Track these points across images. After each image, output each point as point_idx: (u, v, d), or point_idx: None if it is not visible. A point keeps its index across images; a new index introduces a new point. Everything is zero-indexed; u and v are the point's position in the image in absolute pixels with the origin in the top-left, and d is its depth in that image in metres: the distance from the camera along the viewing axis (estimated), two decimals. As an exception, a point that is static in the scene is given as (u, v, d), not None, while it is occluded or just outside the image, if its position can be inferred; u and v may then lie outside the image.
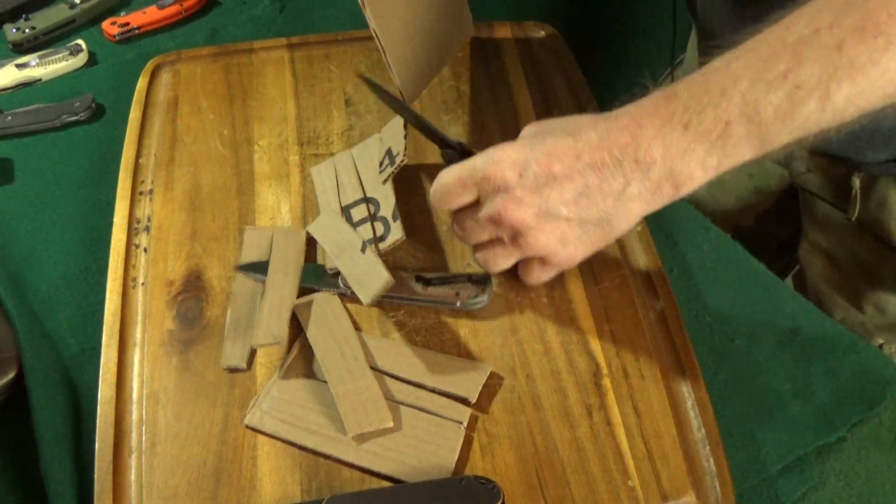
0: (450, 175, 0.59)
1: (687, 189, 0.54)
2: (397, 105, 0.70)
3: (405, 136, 0.70)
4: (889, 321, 0.83)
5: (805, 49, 0.49)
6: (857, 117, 0.51)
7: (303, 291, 0.68)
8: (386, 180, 0.70)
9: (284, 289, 0.67)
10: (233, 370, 0.64)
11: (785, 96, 0.50)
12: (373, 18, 0.67)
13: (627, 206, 0.55)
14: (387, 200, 0.69)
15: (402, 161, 0.68)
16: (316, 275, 0.68)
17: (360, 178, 0.74)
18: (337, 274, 0.67)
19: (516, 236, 0.59)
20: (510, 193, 0.56)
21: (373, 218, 0.69)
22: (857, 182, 0.79)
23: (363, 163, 0.75)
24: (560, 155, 0.55)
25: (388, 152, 0.72)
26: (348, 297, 0.67)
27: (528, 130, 0.60)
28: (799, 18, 0.50)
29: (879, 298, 0.83)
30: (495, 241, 0.61)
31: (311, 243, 0.71)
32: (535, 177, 0.55)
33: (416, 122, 0.68)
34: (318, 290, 0.68)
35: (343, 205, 0.72)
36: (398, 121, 0.73)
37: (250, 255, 0.70)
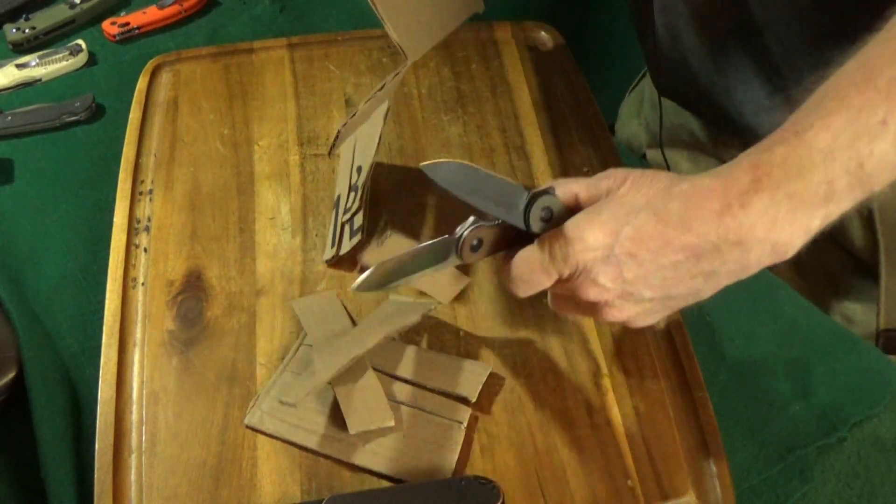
0: (529, 264, 0.54)
1: (789, 255, 0.50)
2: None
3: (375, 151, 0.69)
4: (856, 331, 0.82)
5: None
6: None
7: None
8: (347, 220, 0.70)
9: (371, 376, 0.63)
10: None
11: (887, 144, 0.47)
12: None
13: (719, 281, 0.51)
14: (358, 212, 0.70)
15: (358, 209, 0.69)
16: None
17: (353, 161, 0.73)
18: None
19: (594, 309, 0.55)
20: (593, 278, 0.52)
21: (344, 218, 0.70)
22: None
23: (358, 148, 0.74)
24: (647, 241, 0.50)
25: (358, 169, 0.72)
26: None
27: (605, 183, 0.54)
28: (879, 57, 0.48)
29: (847, 309, 0.83)
30: (569, 298, 0.57)
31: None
32: (619, 262, 0.51)
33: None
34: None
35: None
36: (376, 122, 0.71)
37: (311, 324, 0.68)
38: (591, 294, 0.53)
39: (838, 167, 0.47)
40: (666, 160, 0.94)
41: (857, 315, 0.82)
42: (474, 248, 0.55)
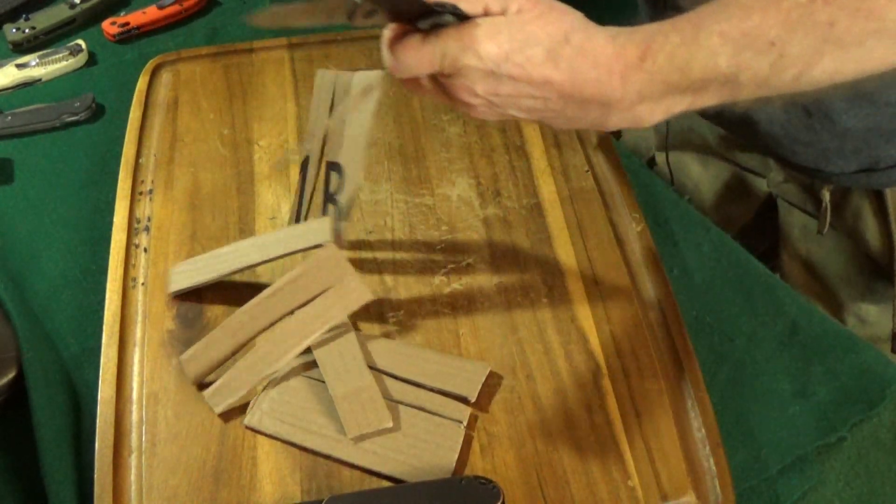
0: (416, 52, 0.55)
1: (643, 126, 0.55)
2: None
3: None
4: (870, 332, 0.82)
5: (798, 20, 0.49)
6: (825, 87, 0.52)
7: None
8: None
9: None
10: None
11: (768, 65, 0.50)
12: None
13: (574, 125, 0.56)
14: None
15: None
16: None
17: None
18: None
19: (454, 101, 0.57)
20: (470, 84, 0.54)
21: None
22: (826, 195, 0.79)
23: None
24: (532, 75, 0.53)
25: (338, 168, 0.69)
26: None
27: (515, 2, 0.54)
28: None
29: (860, 309, 0.83)
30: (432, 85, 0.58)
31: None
32: (498, 79, 0.54)
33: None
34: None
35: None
36: (362, 122, 0.69)
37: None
38: (462, 95, 0.55)
39: (717, 70, 0.51)
40: (669, 165, 0.94)
41: (872, 316, 0.82)
42: (368, 15, 0.54)
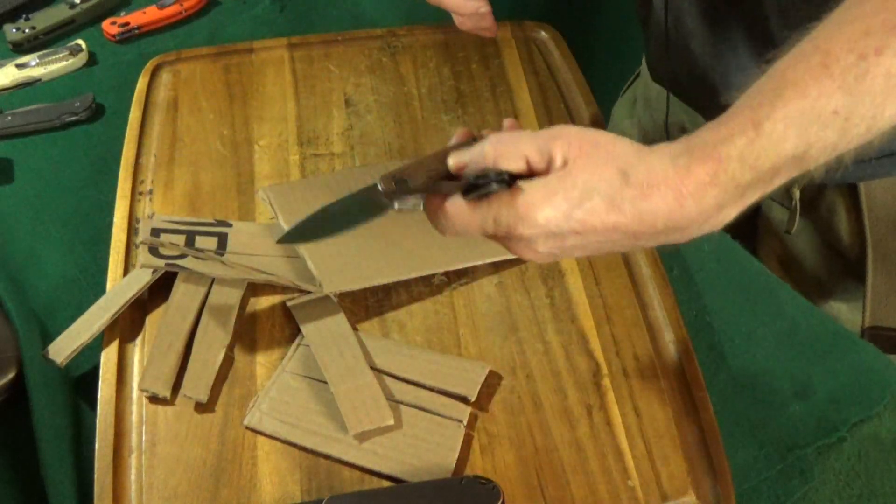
0: (468, 221, 0.53)
1: (720, 227, 0.53)
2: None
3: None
4: None
5: (854, 81, 0.48)
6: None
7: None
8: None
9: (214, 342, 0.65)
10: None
11: (835, 133, 0.49)
12: None
13: (646, 248, 0.55)
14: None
15: None
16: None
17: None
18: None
19: (511, 248, 0.55)
20: (531, 244, 0.53)
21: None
22: (797, 193, 0.78)
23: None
24: (597, 226, 0.51)
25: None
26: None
27: (558, 150, 0.52)
28: (835, 42, 0.49)
29: (832, 308, 0.83)
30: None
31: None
32: (563, 236, 0.52)
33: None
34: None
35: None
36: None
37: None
38: (524, 253, 0.53)
39: (787, 155, 0.49)
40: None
41: (843, 314, 0.82)
42: (399, 185, 0.52)
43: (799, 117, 0.48)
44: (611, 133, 0.52)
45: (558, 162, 0.51)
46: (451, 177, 0.54)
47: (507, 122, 0.58)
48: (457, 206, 0.53)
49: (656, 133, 0.93)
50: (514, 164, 0.51)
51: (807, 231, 0.82)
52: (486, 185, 0.51)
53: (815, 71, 0.48)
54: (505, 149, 0.52)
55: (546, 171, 0.51)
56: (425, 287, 0.69)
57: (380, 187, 0.52)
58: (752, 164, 0.49)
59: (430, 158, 0.54)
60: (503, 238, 0.53)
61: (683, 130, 0.90)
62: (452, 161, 0.53)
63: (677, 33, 0.80)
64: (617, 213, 0.50)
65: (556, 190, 0.51)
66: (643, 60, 0.95)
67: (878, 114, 0.49)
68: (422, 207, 0.54)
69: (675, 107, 0.90)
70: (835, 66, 0.48)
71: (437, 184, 0.54)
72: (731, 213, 0.51)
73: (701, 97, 0.84)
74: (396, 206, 0.53)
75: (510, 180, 0.51)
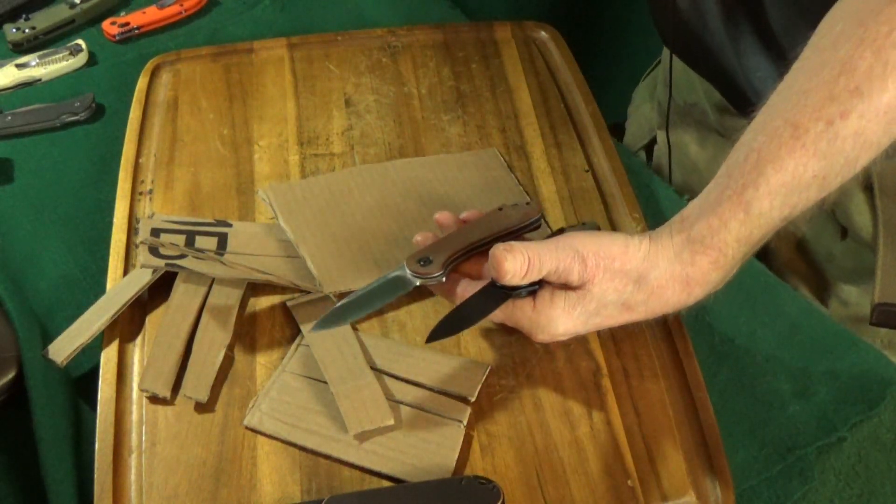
0: (495, 316, 0.60)
1: None
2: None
3: None
4: (850, 313, 0.83)
5: (827, 146, 0.52)
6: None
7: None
8: None
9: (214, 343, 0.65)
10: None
11: (816, 192, 0.54)
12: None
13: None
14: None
15: None
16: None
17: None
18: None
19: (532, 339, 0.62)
20: (550, 338, 0.60)
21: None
22: None
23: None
24: (611, 324, 0.59)
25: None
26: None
27: (576, 271, 0.57)
28: (802, 113, 0.52)
29: (842, 290, 0.84)
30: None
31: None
32: (578, 331, 0.60)
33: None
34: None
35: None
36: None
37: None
38: (542, 341, 0.61)
39: (776, 222, 0.55)
40: (669, 143, 0.94)
41: (853, 297, 0.83)
42: (423, 264, 0.60)
43: (782, 189, 0.53)
44: (621, 237, 0.58)
45: (576, 280, 0.57)
46: (472, 251, 0.62)
47: (464, 215, 0.65)
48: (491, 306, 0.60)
49: (676, 114, 0.95)
50: (538, 274, 0.57)
51: (821, 212, 0.82)
52: (516, 295, 0.59)
53: (789, 145, 0.53)
54: (536, 271, 0.57)
55: (562, 285, 0.58)
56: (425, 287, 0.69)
57: (407, 270, 0.60)
58: (746, 241, 0.55)
59: (454, 236, 0.62)
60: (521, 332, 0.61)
61: (702, 113, 0.90)
62: (506, 273, 0.57)
63: (693, 11, 0.81)
64: (630, 313, 0.58)
65: (575, 305, 0.58)
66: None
67: (852, 168, 0.53)
68: (444, 280, 0.61)
69: (683, 93, 0.91)
70: (806, 137, 0.52)
71: (458, 261, 0.62)
72: (727, 280, 0.58)
73: (717, 75, 0.85)
74: (419, 283, 0.60)
75: (534, 289, 0.59)
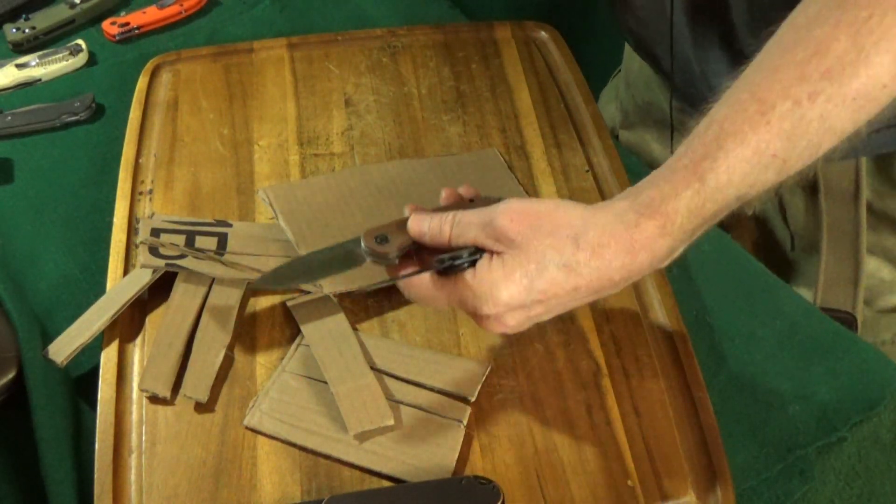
0: (433, 297, 0.57)
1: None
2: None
3: None
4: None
5: (792, 127, 0.50)
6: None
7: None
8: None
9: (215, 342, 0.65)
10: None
11: (775, 173, 0.51)
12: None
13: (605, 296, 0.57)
14: None
15: None
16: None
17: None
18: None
19: (479, 322, 0.57)
20: (499, 319, 0.56)
21: None
22: None
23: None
24: (558, 292, 0.54)
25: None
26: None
27: (505, 228, 0.54)
28: (769, 90, 0.51)
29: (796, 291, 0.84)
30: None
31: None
32: (528, 307, 0.55)
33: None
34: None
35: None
36: None
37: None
38: (493, 328, 0.56)
39: (731, 198, 0.52)
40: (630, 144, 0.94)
41: (806, 297, 0.82)
42: (379, 241, 0.56)
43: (741, 165, 0.51)
44: (552, 200, 0.56)
45: (507, 240, 0.54)
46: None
47: (444, 192, 0.62)
48: (424, 282, 0.57)
49: (636, 114, 0.94)
50: (466, 245, 0.55)
51: (771, 213, 0.82)
52: (459, 266, 0.55)
53: (754, 120, 0.51)
54: (458, 230, 0.55)
55: (499, 250, 0.54)
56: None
57: (362, 244, 0.56)
58: (698, 213, 0.52)
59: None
60: (471, 315, 0.56)
61: (660, 111, 0.90)
62: (412, 228, 0.56)
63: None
64: (575, 276, 0.53)
65: (514, 267, 0.53)
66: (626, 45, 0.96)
67: (814, 152, 0.51)
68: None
69: (642, 92, 0.91)
70: (771, 114, 0.50)
71: (417, 247, 0.58)
72: (679, 251, 0.55)
73: (672, 67, 0.84)
74: (370, 261, 0.57)
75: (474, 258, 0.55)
